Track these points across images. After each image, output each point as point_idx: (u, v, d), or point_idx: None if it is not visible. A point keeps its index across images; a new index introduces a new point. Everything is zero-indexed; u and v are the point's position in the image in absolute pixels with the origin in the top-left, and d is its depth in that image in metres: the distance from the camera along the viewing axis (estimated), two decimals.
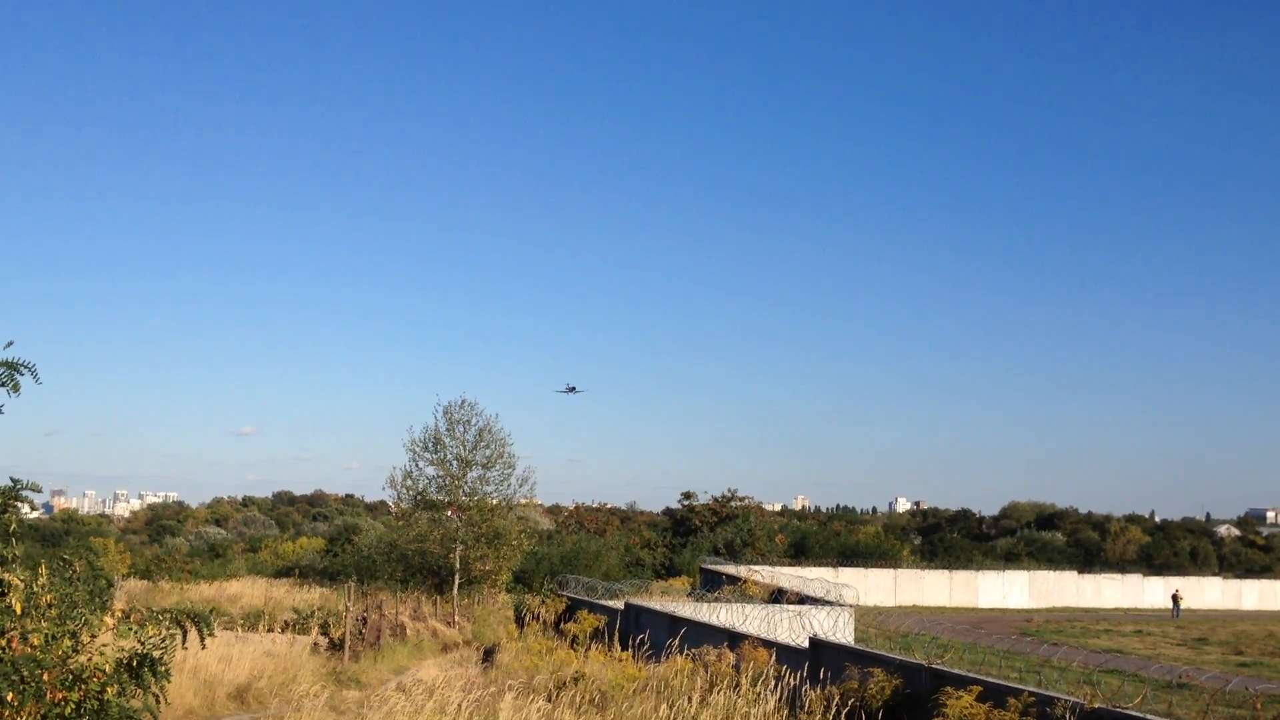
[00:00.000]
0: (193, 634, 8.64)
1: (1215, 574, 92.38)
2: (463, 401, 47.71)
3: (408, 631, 36.08)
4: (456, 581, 45.85)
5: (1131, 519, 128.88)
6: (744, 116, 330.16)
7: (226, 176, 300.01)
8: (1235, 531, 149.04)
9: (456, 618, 42.13)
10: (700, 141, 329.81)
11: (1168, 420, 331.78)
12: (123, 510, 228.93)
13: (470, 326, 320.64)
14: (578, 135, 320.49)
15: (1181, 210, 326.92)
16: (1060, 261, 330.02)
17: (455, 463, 47.16)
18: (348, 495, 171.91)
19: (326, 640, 32.52)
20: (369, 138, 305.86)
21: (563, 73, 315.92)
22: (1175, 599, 75.12)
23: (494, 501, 47.62)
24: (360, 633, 31.99)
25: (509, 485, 47.97)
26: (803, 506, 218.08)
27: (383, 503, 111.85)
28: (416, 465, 47.38)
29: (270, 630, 37.17)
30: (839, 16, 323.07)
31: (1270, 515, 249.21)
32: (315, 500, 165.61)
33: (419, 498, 47.72)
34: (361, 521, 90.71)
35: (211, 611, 37.71)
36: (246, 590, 51.58)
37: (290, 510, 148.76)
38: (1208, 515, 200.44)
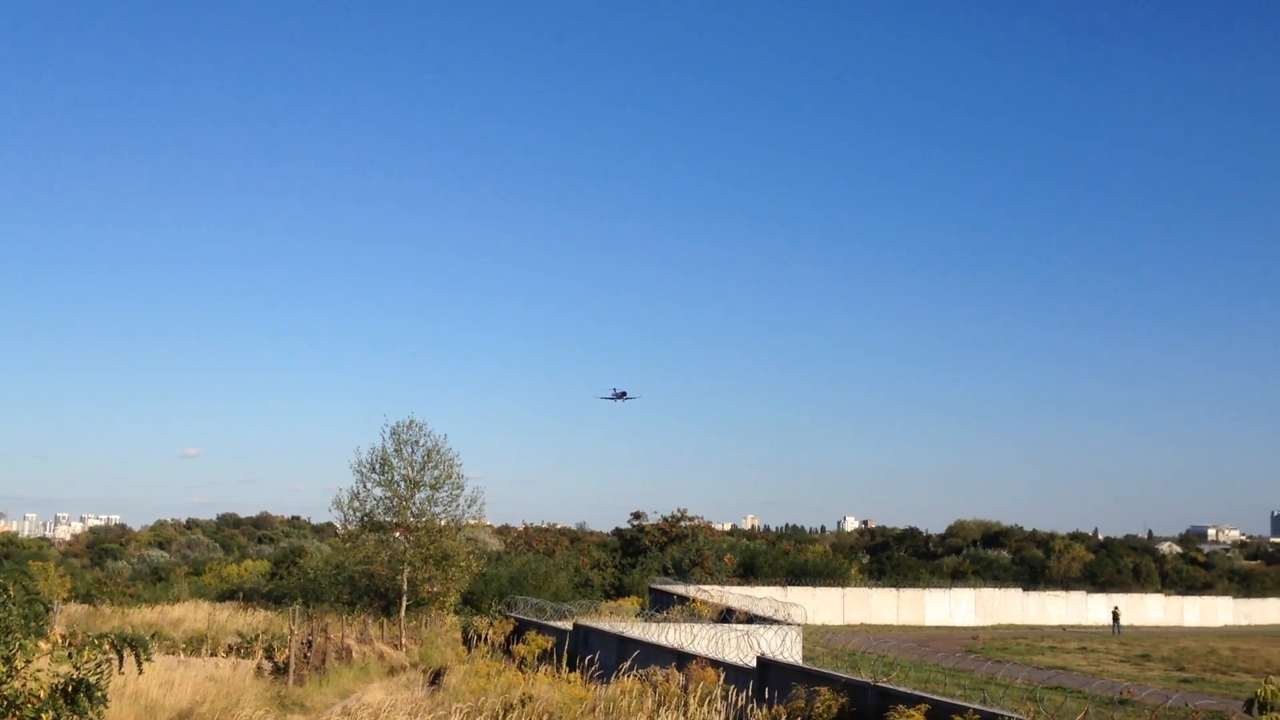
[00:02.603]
0: (130, 659, 8.52)
1: (1157, 591, 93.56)
2: (410, 422, 47.44)
3: (354, 654, 35.70)
4: (404, 603, 45.47)
5: (1076, 537, 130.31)
6: (700, 128, 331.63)
7: (171, 199, 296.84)
8: (1177, 549, 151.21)
9: (404, 640, 41.77)
10: (650, 157, 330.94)
11: (1111, 440, 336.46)
12: (64, 533, 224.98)
13: (419, 347, 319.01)
14: (526, 151, 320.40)
15: (1117, 238, 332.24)
16: (1002, 286, 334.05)
17: (403, 484, 46.81)
18: (294, 517, 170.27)
19: (271, 664, 32.14)
20: (311, 157, 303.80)
21: (484, 91, 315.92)
22: (1115, 615, 75.99)
23: (442, 522, 47.27)
24: (305, 656, 31.64)
25: (457, 506, 47.68)
26: (752, 526, 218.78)
27: (330, 524, 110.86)
28: (364, 486, 47.00)
29: (213, 654, 36.60)
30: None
31: (1211, 533, 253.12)
32: (261, 522, 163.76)
33: (366, 519, 47.28)
34: (308, 544, 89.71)
35: (153, 636, 37.31)
36: (189, 614, 50.79)
37: (235, 533, 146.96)
38: (1150, 533, 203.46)
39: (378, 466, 46.84)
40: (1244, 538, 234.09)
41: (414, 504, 46.75)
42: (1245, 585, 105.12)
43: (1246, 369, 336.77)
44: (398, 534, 47.21)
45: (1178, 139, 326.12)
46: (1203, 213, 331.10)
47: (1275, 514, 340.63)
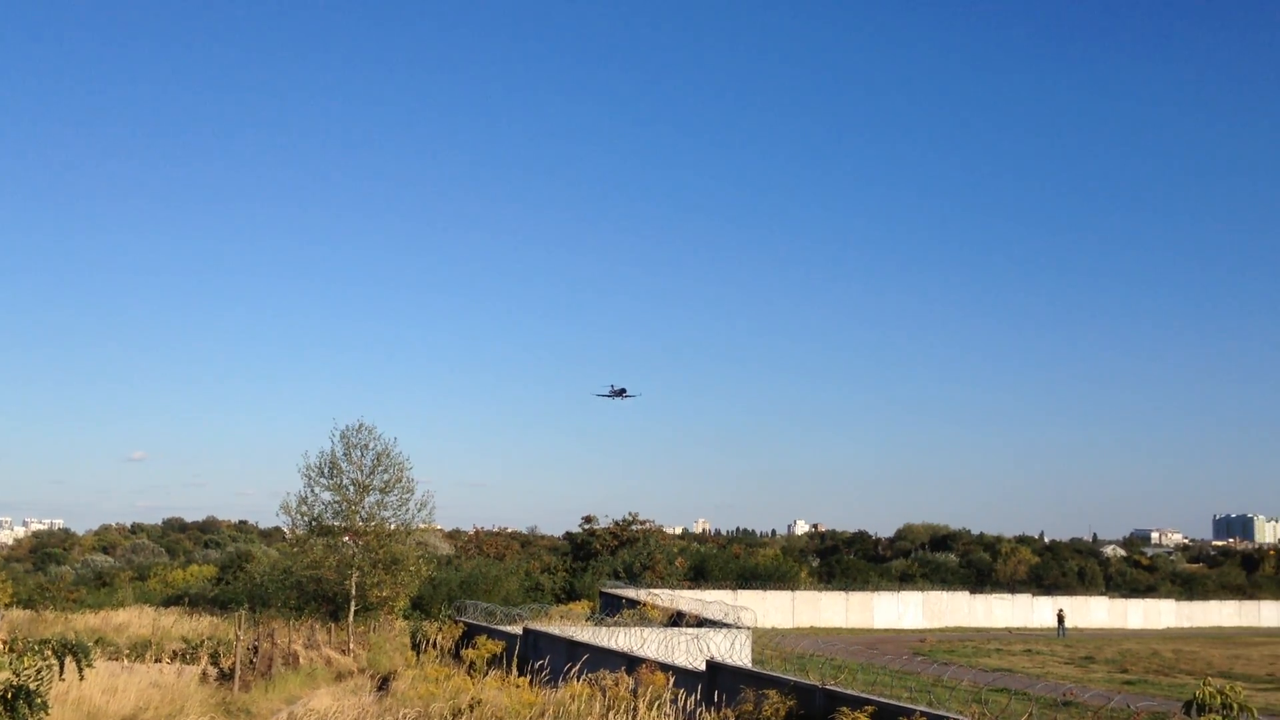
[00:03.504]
0: (72, 665, 8.46)
1: (1102, 593, 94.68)
2: (360, 426, 47.20)
3: (301, 660, 35.44)
4: (352, 608, 45.20)
5: (1022, 540, 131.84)
6: (661, 123, 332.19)
7: (115, 201, 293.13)
8: (1121, 552, 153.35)
9: (352, 645, 41.53)
10: (597, 154, 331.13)
11: (1057, 444, 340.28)
12: (5, 538, 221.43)
13: (370, 350, 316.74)
14: (473, 150, 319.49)
15: (1060, 244, 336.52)
16: (946, 291, 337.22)
17: (352, 488, 46.55)
18: (241, 522, 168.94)
19: (216, 670, 31.83)
20: (256, 160, 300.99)
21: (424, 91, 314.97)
22: (1060, 618, 76.90)
23: (391, 527, 47.05)
24: (251, 662, 31.37)
25: (407, 510, 47.46)
26: (703, 530, 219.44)
27: (277, 529, 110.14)
28: (312, 490, 46.69)
29: (158, 660, 36.23)
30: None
31: (1155, 536, 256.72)
32: (207, 527, 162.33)
33: (314, 523, 46.98)
34: (255, 548, 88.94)
35: (97, 641, 36.91)
36: (134, 619, 50.20)
37: (181, 537, 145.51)
38: (1095, 536, 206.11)
39: (326, 470, 46.57)
40: (1186, 541, 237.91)
41: (363, 508, 46.51)
42: (1187, 588, 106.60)
43: (1189, 375, 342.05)
44: (346, 538, 46.95)
45: (1123, 135, 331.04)
46: (1144, 219, 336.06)
47: (1217, 518, 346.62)
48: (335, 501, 46.58)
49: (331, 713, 24.13)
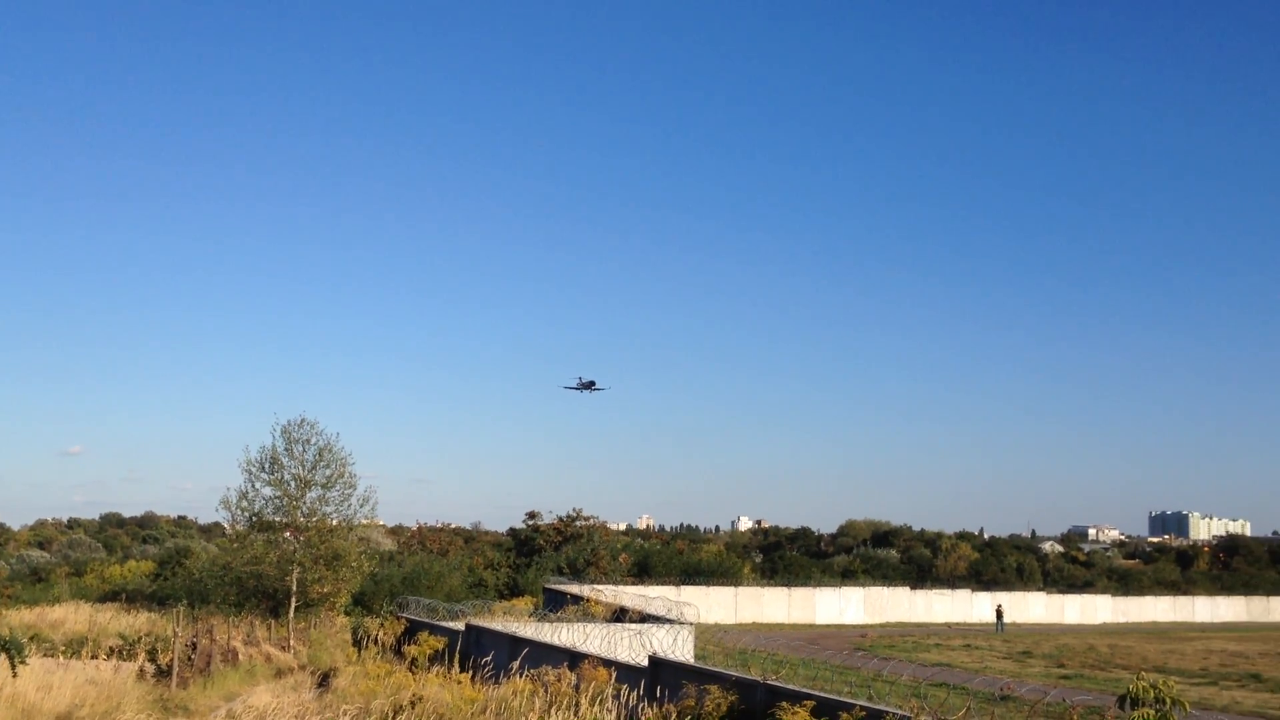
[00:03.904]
0: (4, 661, 8.34)
1: (1040, 589, 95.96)
2: (302, 420, 46.75)
3: (240, 657, 35.10)
4: (293, 605, 44.82)
5: (962, 536, 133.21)
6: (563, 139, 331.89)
7: (48, 190, 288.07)
8: (1059, 548, 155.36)
9: (292, 642, 41.19)
10: (528, 151, 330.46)
11: (997, 441, 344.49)
12: None
13: (312, 343, 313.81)
14: (425, 143, 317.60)
15: (1000, 240, 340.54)
16: (885, 286, 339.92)
17: (293, 483, 46.11)
18: (180, 517, 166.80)
19: (154, 667, 31.45)
20: (196, 153, 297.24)
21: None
22: (999, 613, 77.85)
23: (333, 522, 46.68)
24: (189, 659, 31.02)
25: (349, 506, 47.10)
26: (647, 526, 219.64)
27: (217, 524, 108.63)
28: (253, 486, 46.15)
29: (94, 657, 35.68)
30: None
31: (1091, 533, 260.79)
32: (145, 522, 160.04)
33: (255, 519, 46.50)
34: (194, 544, 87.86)
35: (31, 638, 36.33)
36: (70, 615, 49.46)
37: (119, 533, 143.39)
38: (1033, 532, 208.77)
39: (267, 465, 46.10)
40: (1123, 537, 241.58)
41: (304, 504, 46.10)
42: (1123, 584, 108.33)
43: (1126, 374, 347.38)
44: (287, 534, 46.52)
45: (1066, 128, 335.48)
46: (1084, 219, 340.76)
47: (1153, 515, 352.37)
48: (276, 497, 46.14)
49: (271, 710, 23.96)
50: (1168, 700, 15.88)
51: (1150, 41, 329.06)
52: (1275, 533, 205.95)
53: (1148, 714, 15.90)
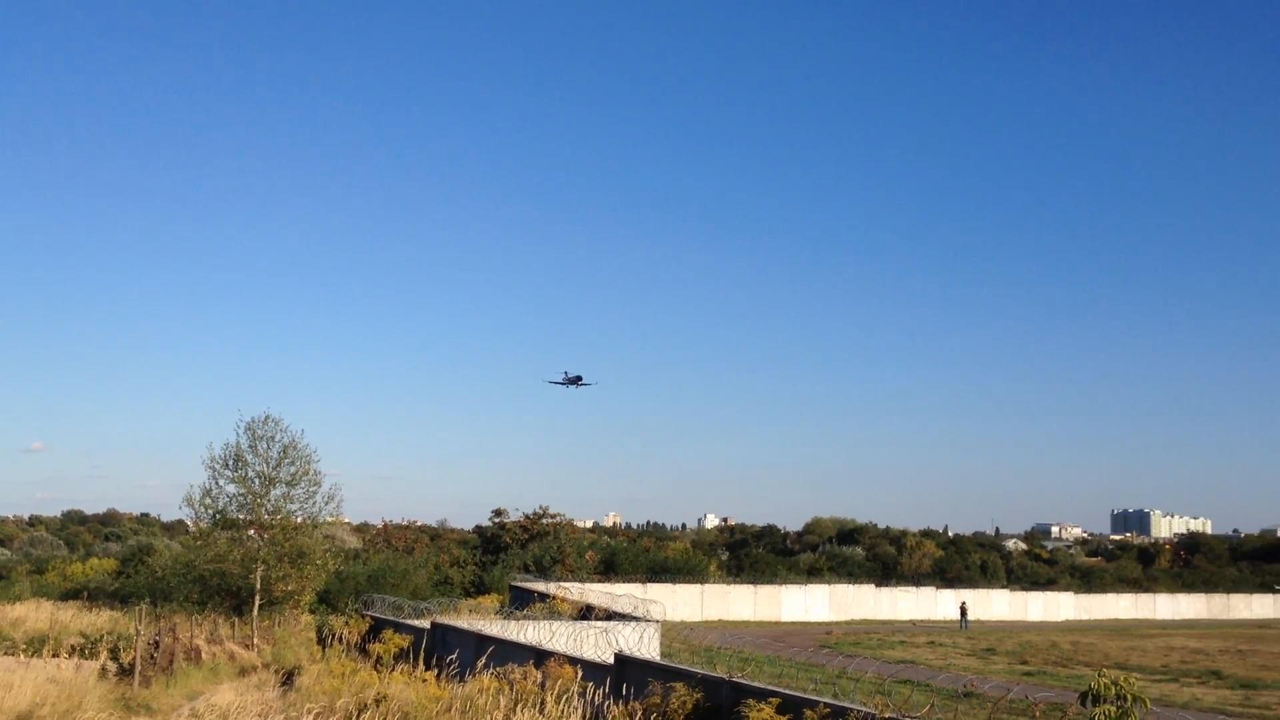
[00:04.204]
0: None
1: (1003, 586, 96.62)
2: (266, 417, 46.51)
3: (203, 655, 34.87)
4: (257, 603, 44.57)
5: (926, 534, 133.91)
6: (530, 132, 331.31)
7: (7, 187, 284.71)
8: (1022, 546, 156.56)
9: (256, 640, 40.95)
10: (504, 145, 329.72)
11: (961, 439, 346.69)
12: None
13: (277, 341, 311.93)
14: (386, 138, 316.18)
15: (957, 240, 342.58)
16: (850, 287, 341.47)
17: (257, 480, 45.88)
18: (143, 514, 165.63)
19: (116, 665, 31.19)
20: (159, 150, 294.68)
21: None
22: (962, 610, 78.32)
23: (298, 520, 46.50)
24: (152, 657, 30.78)
25: (314, 503, 46.93)
26: (614, 523, 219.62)
27: (180, 522, 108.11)
28: (216, 483, 45.91)
29: (55, 655, 35.39)
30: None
31: (1055, 530, 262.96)
32: (108, 520, 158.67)
33: (219, 517, 46.22)
34: (157, 541, 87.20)
35: None
36: (31, 614, 48.99)
37: (81, 530, 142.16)
38: (997, 530, 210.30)
39: (231, 462, 45.85)
40: (1085, 535, 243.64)
41: (269, 501, 45.88)
42: (1086, 581, 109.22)
43: (1088, 373, 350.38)
44: (251, 531, 46.27)
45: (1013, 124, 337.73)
46: (1045, 215, 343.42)
47: (1115, 512, 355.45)
48: (240, 494, 45.90)
49: (234, 708, 23.80)
50: (1129, 697, 15.97)
51: (1124, 41, 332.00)
52: (1235, 531, 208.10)
53: (1109, 711, 15.97)
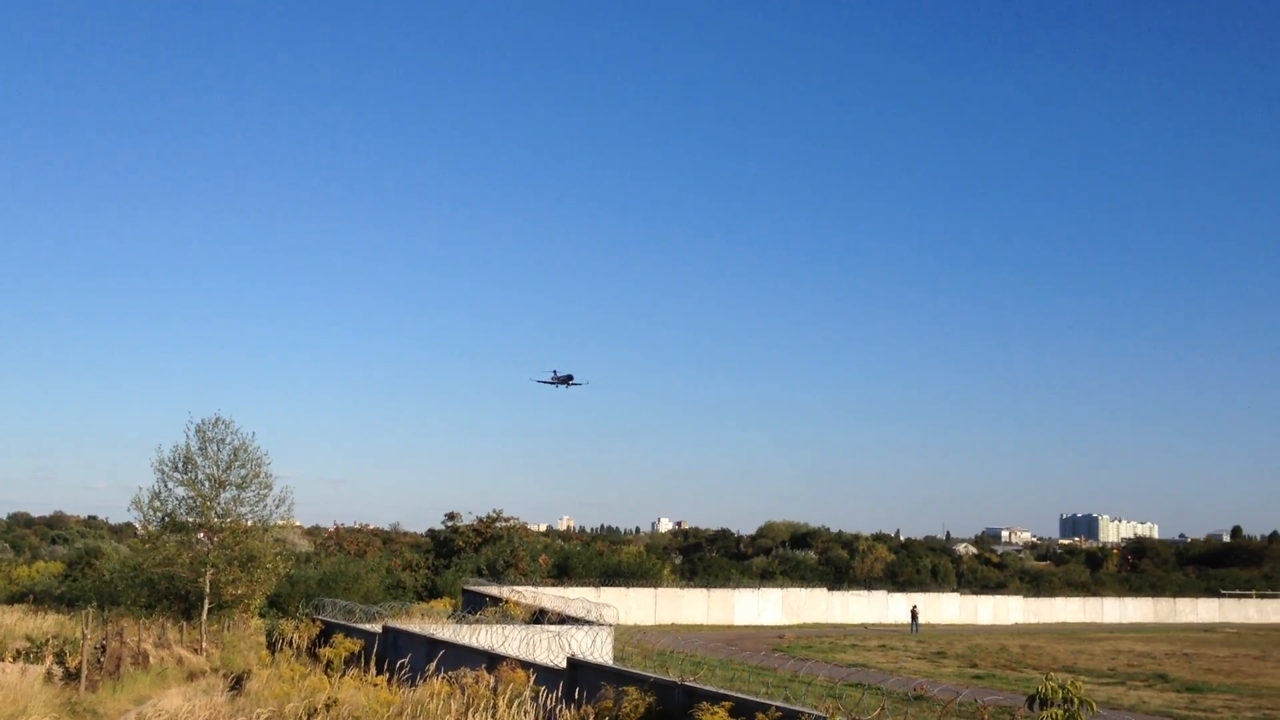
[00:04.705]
0: None
1: (954, 590, 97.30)
2: (217, 419, 46.02)
3: (151, 659, 34.51)
4: (206, 606, 44.13)
5: (879, 538, 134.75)
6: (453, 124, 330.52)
7: None
8: (973, 550, 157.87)
9: (205, 644, 40.56)
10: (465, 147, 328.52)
11: (913, 444, 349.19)
12: None
13: (228, 342, 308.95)
14: (331, 140, 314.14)
15: (908, 248, 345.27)
16: (801, 288, 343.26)
17: (207, 483, 45.39)
18: (90, 517, 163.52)
19: (62, 670, 30.80)
20: (112, 151, 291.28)
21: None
22: (914, 614, 78.85)
23: (248, 523, 46.05)
24: (99, 661, 30.43)
25: (265, 506, 46.45)
26: (567, 527, 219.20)
27: (129, 525, 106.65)
28: (165, 485, 45.35)
29: (0, 660, 34.89)
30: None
31: (1005, 535, 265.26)
32: (55, 522, 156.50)
33: (167, 519, 45.70)
34: (104, 545, 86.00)
35: None
36: None
37: (27, 533, 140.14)
38: (948, 534, 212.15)
39: (181, 465, 45.33)
40: (1035, 539, 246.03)
41: (219, 504, 45.40)
42: (1035, 585, 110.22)
43: (1038, 379, 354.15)
44: (201, 535, 45.80)
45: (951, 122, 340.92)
46: (997, 224, 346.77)
47: (1064, 517, 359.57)
48: (190, 497, 45.39)
49: (182, 713, 23.58)
50: (1075, 700, 16.24)
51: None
52: (1182, 536, 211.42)
53: (1056, 714, 16.23)
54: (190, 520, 45.67)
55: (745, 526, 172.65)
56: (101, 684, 29.31)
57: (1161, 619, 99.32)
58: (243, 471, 45.83)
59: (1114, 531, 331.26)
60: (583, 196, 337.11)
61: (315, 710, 22.73)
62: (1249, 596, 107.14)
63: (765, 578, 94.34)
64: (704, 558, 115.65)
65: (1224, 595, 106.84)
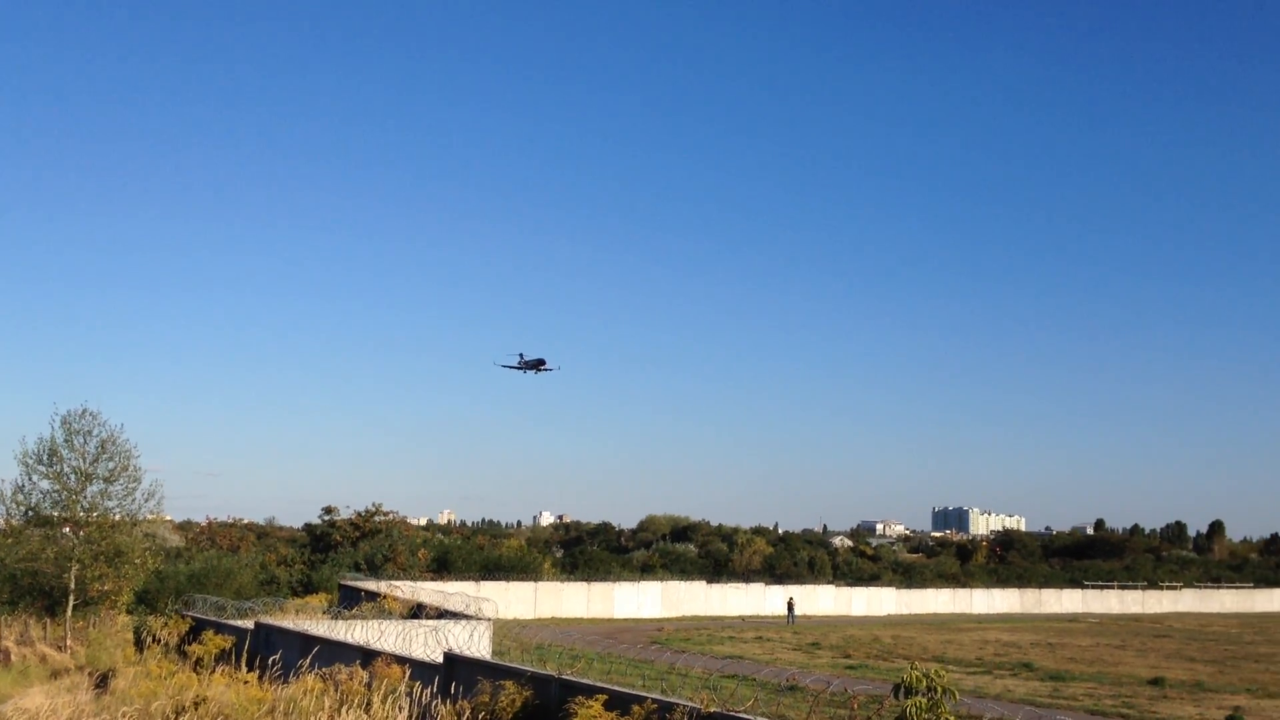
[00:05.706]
0: None
1: (829, 582, 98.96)
2: (83, 411, 44.67)
3: (12, 657, 33.54)
4: (71, 603, 42.90)
5: (757, 531, 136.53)
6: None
7: None
8: (848, 542, 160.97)
9: (69, 642, 39.47)
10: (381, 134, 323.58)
11: (791, 439, 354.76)
12: None
13: (96, 330, 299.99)
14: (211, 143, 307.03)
15: (780, 250, 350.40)
16: (686, 284, 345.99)
17: (73, 476, 44.10)
18: None
19: None
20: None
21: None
22: (790, 606, 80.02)
23: (116, 517, 44.86)
24: None
25: (133, 500, 45.24)
26: (448, 521, 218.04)
27: None
28: (29, 479, 43.95)
29: None
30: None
31: (879, 527, 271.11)
32: None
33: (31, 514, 44.31)
34: None
35: None
36: None
37: None
38: (825, 527, 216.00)
39: (45, 458, 43.97)
40: (908, 532, 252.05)
41: (85, 498, 44.13)
42: (907, 577, 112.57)
43: (911, 376, 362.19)
44: (66, 529, 44.52)
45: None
46: (877, 223, 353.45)
47: (936, 510, 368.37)
48: (54, 490, 44.05)
49: (44, 712, 22.95)
50: (939, 689, 16.75)
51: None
52: (1048, 528, 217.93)
53: (920, 703, 16.71)
54: (55, 514, 44.36)
55: (626, 520, 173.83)
56: None
57: (1028, 609, 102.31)
58: (110, 464, 44.61)
59: (983, 524, 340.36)
60: (464, 194, 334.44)
61: (183, 708, 22.32)
62: (1110, 588, 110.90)
63: (645, 571, 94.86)
64: (585, 551, 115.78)
65: (1087, 586, 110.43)
